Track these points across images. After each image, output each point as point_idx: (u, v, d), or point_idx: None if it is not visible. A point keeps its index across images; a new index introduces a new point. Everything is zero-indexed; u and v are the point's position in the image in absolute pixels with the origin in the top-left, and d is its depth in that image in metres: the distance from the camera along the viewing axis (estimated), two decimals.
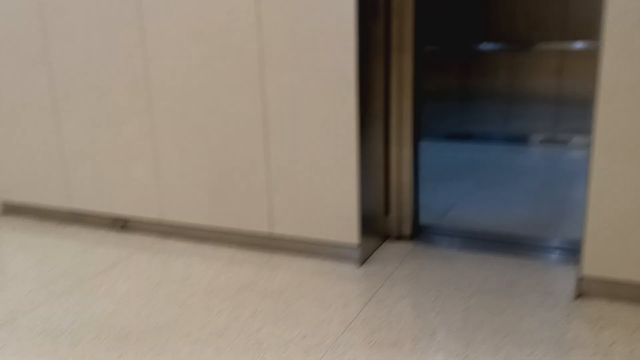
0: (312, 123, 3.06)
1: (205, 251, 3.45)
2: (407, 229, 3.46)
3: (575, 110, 4.69)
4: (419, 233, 3.54)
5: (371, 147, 3.18)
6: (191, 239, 3.64)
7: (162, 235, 3.74)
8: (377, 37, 3.11)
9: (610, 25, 2.37)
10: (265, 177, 3.26)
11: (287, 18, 2.96)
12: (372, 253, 3.31)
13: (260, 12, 3.01)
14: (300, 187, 3.19)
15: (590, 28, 4.07)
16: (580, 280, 2.70)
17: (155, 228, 3.75)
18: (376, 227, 3.36)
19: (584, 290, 2.71)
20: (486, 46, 5.11)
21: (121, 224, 3.86)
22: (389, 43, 3.22)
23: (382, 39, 3.16)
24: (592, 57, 4.34)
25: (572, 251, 3.20)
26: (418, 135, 3.35)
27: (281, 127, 3.15)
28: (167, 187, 3.57)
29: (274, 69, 3.07)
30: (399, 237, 3.49)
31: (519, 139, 5.49)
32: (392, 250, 3.36)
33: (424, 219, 3.73)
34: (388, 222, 3.48)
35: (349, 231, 3.13)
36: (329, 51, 2.91)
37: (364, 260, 3.19)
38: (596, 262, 2.63)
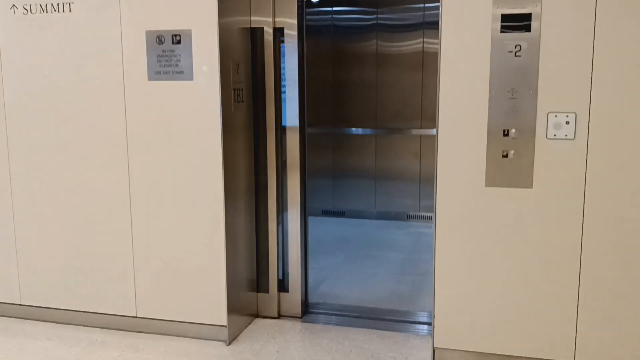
0: (178, 203, 3.09)
1: (65, 333, 3.28)
2: (275, 306, 3.51)
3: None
4: (289, 308, 3.60)
5: (240, 224, 3.25)
6: (50, 322, 3.45)
7: (19, 318, 3.51)
8: (244, 119, 3.25)
9: (442, 116, 2.66)
10: (129, 258, 3.21)
11: (154, 101, 3.03)
12: (242, 330, 3.31)
13: (126, 95, 3.07)
14: (165, 268, 3.17)
15: None
16: (434, 351, 2.87)
17: (12, 311, 3.52)
18: (246, 305, 3.38)
19: None
20: (357, 130, 5.49)
21: None
22: (257, 123, 3.37)
23: (251, 120, 3.31)
24: None
25: (429, 323, 3.39)
26: (284, 210, 3.48)
27: (146, 207, 3.15)
28: (26, 268, 3.40)
29: (139, 149, 3.10)
30: (269, 314, 3.53)
31: (387, 215, 5.82)
32: (262, 326, 3.38)
33: (294, 294, 3.81)
34: (259, 299, 3.52)
35: (216, 312, 3.13)
36: (196, 132, 3.00)
37: (232, 338, 3.18)
38: (446, 334, 2.82)
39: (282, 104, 3.36)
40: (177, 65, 2.94)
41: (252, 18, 3.24)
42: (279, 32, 3.27)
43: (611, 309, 2.60)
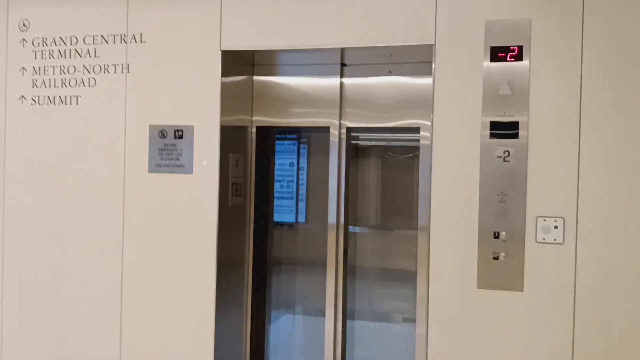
0: (170, 294, 3.08)
1: None
2: None
3: None
4: None
5: (231, 317, 3.23)
6: None
7: None
8: (240, 214, 3.31)
9: (434, 217, 2.73)
10: (116, 347, 3.16)
11: (153, 192, 3.10)
12: None
13: (125, 185, 3.14)
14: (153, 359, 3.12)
15: None
16: None
17: None
18: None
19: None
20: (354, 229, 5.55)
21: None
22: (247, 217, 3.43)
23: (246, 215, 3.37)
24: None
25: None
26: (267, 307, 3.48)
27: (137, 298, 3.13)
28: (10, 354, 3.33)
29: (134, 238, 3.13)
30: None
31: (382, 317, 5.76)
32: None
33: None
34: None
35: None
36: (192, 224, 3.04)
37: None
38: None
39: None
40: (177, 159, 3.03)
41: (253, 118, 3.40)
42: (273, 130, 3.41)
43: None
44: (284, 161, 3.65)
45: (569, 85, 2.56)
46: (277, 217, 3.63)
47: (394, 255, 3.62)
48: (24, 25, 3.30)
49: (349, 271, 3.42)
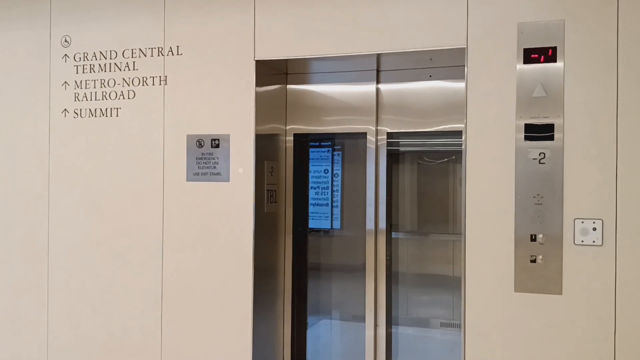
0: (208, 304, 3.14)
1: None
2: None
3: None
4: None
5: (268, 323, 3.26)
6: None
7: None
8: (275, 220, 3.36)
9: (469, 221, 2.71)
10: (158, 357, 3.23)
11: (191, 201, 3.16)
12: None
13: (165, 194, 3.21)
14: None
15: None
16: None
17: None
18: None
19: None
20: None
21: None
22: (283, 224, 3.47)
23: (281, 221, 3.41)
24: None
25: None
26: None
27: (176, 308, 3.20)
28: None
29: (174, 247, 3.20)
30: None
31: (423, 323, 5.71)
32: None
33: None
34: None
35: None
36: (228, 233, 3.10)
37: None
38: None
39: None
40: (214, 167, 3.10)
41: (287, 127, 3.46)
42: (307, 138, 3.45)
43: None
44: (319, 168, 3.69)
45: (605, 85, 2.53)
46: (312, 224, 3.66)
47: (431, 261, 3.60)
48: (65, 41, 3.43)
49: (389, 277, 3.42)
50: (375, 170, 3.35)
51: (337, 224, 3.68)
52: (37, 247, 3.47)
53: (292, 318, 3.47)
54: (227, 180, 3.09)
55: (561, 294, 2.57)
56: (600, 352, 2.54)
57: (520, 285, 2.63)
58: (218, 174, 3.09)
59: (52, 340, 3.45)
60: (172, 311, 3.21)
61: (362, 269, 3.39)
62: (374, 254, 3.35)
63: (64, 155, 3.43)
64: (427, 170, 3.58)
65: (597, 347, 2.54)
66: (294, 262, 3.49)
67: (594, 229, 2.52)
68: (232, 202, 3.09)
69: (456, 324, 3.52)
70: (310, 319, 3.67)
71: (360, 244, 3.47)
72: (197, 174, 3.13)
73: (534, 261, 2.61)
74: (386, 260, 3.36)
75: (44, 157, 3.46)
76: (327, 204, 3.68)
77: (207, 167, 3.11)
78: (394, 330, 3.48)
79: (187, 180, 3.16)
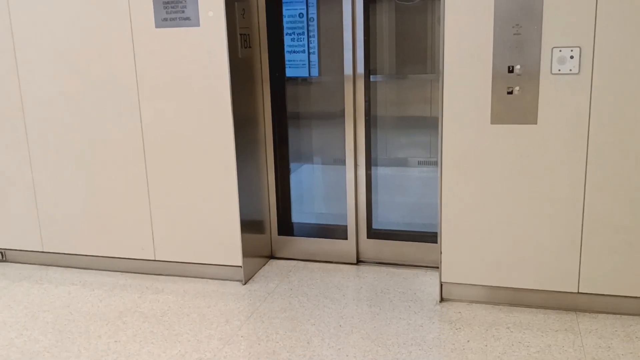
0: (190, 151, 3.16)
1: (87, 279, 3.42)
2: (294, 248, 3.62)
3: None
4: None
5: (251, 169, 3.32)
6: (73, 268, 3.59)
7: (42, 265, 3.66)
8: (251, 66, 3.29)
9: (447, 55, 2.68)
10: (146, 203, 3.31)
11: (162, 48, 3.06)
12: (258, 271, 3.43)
13: (134, 43, 3.10)
14: (181, 214, 3.27)
15: None
16: (442, 286, 2.97)
17: (34, 258, 3.67)
18: (261, 247, 3.49)
19: (446, 295, 2.98)
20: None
21: None
22: (260, 70, 3.41)
23: (257, 68, 3.35)
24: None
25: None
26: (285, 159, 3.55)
27: (160, 154, 3.22)
28: (46, 218, 3.52)
29: (149, 96, 3.15)
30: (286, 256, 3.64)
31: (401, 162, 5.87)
32: (276, 267, 3.50)
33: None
34: (277, 242, 3.63)
35: (232, 254, 3.24)
36: (204, 78, 3.04)
37: (248, 278, 3.30)
38: (453, 268, 2.91)
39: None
40: (183, 11, 2.96)
41: None
42: None
43: (614, 240, 2.66)
44: (293, 12, 3.55)
45: None
46: (289, 72, 3.60)
47: (410, 103, 3.61)
48: None
49: (368, 121, 3.43)
50: (352, 13, 3.23)
51: (315, 72, 3.62)
52: (10, 104, 3.40)
53: (275, 165, 3.54)
54: (197, 25, 2.97)
55: (536, 123, 2.62)
56: (572, 177, 2.64)
57: (497, 117, 2.66)
58: (187, 18, 2.97)
59: (40, 196, 3.50)
60: (156, 162, 3.24)
61: (342, 115, 3.40)
62: (353, 99, 3.33)
63: (27, 11, 3.25)
64: (405, 9, 3.46)
65: (569, 173, 2.64)
66: (273, 109, 3.48)
67: (572, 57, 2.51)
68: (204, 47, 2.99)
69: (433, 161, 3.62)
70: (292, 165, 3.74)
71: (339, 90, 3.45)
72: (166, 20, 3.00)
73: (510, 92, 2.62)
74: (365, 104, 3.36)
75: (3, 8, 3.27)
76: (303, 51, 3.59)
77: (176, 12, 2.97)
78: (373, 171, 3.57)
79: (156, 27, 3.04)
